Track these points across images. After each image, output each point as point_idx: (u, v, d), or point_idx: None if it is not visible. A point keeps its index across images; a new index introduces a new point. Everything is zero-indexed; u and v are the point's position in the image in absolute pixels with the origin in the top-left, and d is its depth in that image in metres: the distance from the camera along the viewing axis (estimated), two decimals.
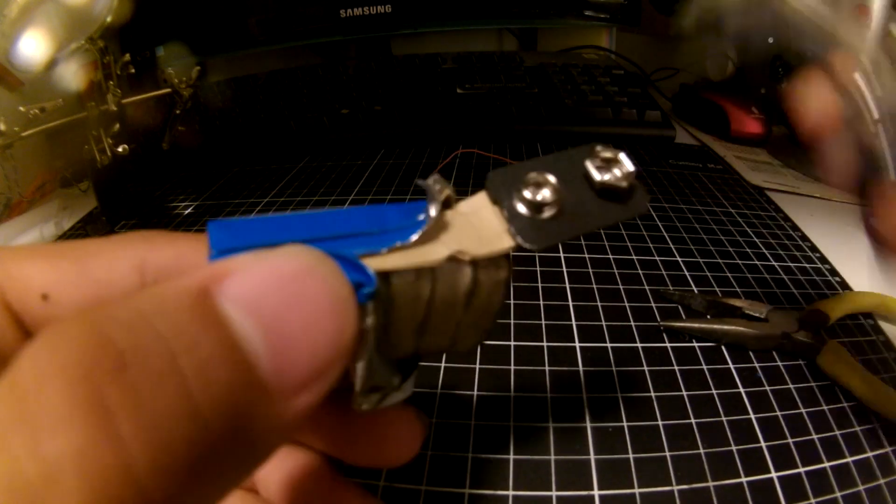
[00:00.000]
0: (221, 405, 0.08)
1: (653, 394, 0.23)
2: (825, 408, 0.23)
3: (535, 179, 0.12)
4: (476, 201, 0.13)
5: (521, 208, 0.12)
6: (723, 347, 0.25)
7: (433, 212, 0.12)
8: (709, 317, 0.28)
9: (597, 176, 0.13)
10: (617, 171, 0.13)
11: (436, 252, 0.11)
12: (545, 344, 0.26)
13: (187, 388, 0.08)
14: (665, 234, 0.35)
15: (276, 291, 0.09)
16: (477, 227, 0.12)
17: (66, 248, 0.13)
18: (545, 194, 0.12)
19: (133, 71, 0.37)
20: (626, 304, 0.28)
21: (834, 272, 0.32)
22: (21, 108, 0.33)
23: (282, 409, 0.09)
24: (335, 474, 0.16)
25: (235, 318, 0.08)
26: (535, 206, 0.12)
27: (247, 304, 0.09)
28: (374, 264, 0.11)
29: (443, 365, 0.24)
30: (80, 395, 0.07)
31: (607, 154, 0.13)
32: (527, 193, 0.12)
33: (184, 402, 0.07)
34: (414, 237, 0.11)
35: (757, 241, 0.35)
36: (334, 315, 0.09)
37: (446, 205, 0.12)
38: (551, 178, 0.12)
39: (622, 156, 0.13)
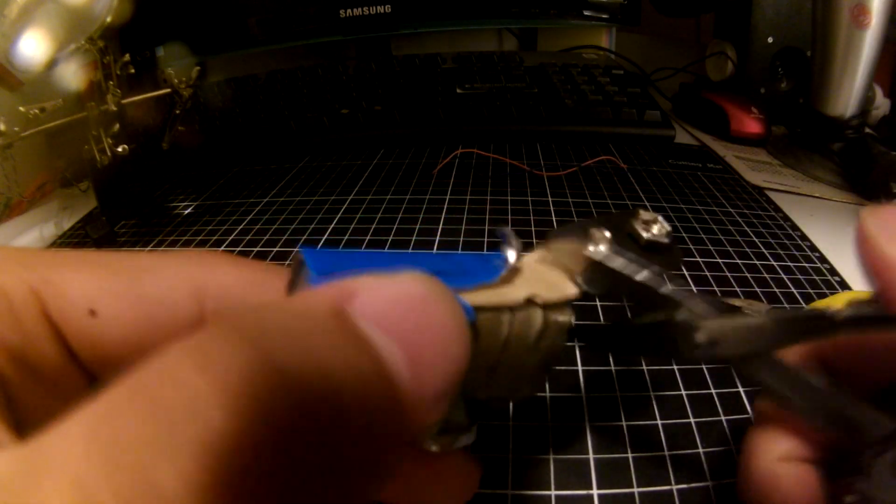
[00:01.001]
0: (367, 419, 0.08)
1: (652, 393, 0.23)
2: None
3: (593, 235, 0.14)
4: (537, 255, 0.15)
5: None
6: None
7: (512, 257, 0.13)
8: None
9: (644, 234, 0.15)
10: (656, 229, 0.15)
11: (515, 294, 0.12)
12: None
13: (343, 404, 0.08)
14: None
15: (409, 312, 0.09)
16: (544, 275, 0.14)
17: (116, 260, 0.12)
18: (602, 248, 0.14)
19: (133, 71, 0.37)
20: (625, 304, 0.28)
21: (833, 272, 0.32)
22: (21, 108, 0.33)
23: (412, 424, 0.09)
24: None
25: (374, 335, 0.08)
26: None
27: (383, 322, 0.09)
28: (464, 299, 0.11)
29: None
30: (246, 414, 0.07)
31: (648, 216, 0.15)
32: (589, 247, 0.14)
33: (340, 417, 0.07)
34: (497, 278, 0.12)
35: (756, 240, 0.35)
36: (459, 340, 0.09)
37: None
38: (606, 234, 0.14)
39: (660, 217, 0.15)
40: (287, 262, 0.12)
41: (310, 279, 0.11)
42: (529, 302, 0.13)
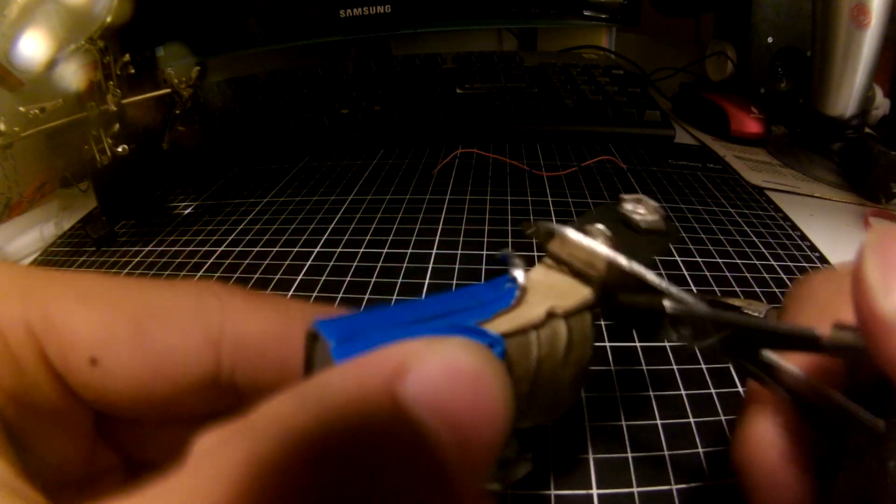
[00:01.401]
0: (413, 493, 0.08)
1: (651, 393, 0.23)
2: None
3: (590, 231, 0.14)
4: (541, 268, 0.15)
5: None
6: None
7: (521, 277, 0.13)
8: None
9: (637, 217, 0.15)
10: (645, 209, 0.15)
11: (534, 311, 0.12)
12: None
13: (391, 479, 0.08)
14: None
15: (460, 391, 0.09)
16: (554, 286, 0.14)
17: (122, 294, 0.11)
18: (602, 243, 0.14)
19: (133, 71, 0.37)
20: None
21: None
22: (21, 109, 0.33)
23: (458, 490, 0.09)
24: None
25: (426, 417, 0.08)
26: None
27: (435, 405, 0.09)
28: (489, 329, 0.11)
29: None
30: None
31: (631, 198, 0.15)
32: None
33: (388, 490, 0.08)
34: (513, 300, 0.12)
35: (756, 240, 0.35)
36: (505, 412, 0.09)
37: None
38: (600, 227, 0.14)
39: (644, 197, 0.15)
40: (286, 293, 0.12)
41: (334, 352, 0.10)
42: (550, 315, 0.12)
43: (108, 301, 0.11)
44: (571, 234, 0.14)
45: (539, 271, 0.15)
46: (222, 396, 0.12)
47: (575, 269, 0.14)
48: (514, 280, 0.13)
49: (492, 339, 0.11)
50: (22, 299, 0.11)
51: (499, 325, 0.12)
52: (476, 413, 0.09)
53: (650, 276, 0.13)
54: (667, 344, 0.26)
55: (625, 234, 0.15)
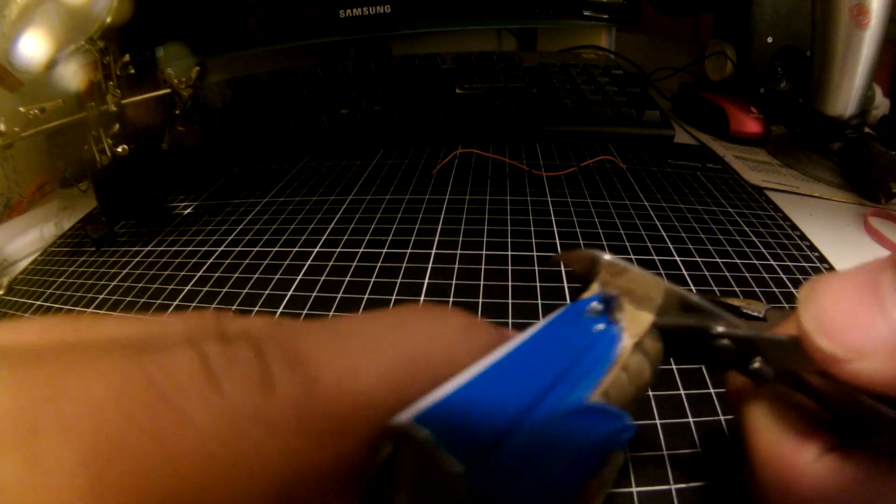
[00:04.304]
0: None
1: (651, 393, 0.23)
2: None
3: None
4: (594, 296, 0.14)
5: None
6: None
7: (624, 339, 0.12)
8: None
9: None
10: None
11: (623, 347, 0.12)
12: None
13: None
14: (664, 233, 0.35)
15: None
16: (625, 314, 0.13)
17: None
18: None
19: (133, 71, 0.37)
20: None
21: (832, 272, 0.32)
22: (21, 109, 0.33)
23: None
24: None
25: None
26: None
27: None
28: (601, 391, 0.11)
29: None
30: None
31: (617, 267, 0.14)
32: None
33: None
34: (616, 358, 0.12)
35: (755, 240, 0.35)
36: None
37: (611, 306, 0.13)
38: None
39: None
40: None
41: (468, 481, 0.08)
42: (636, 347, 0.12)
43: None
44: (634, 268, 0.14)
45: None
46: None
47: (631, 296, 0.14)
48: (607, 322, 0.12)
49: (625, 426, 0.11)
50: None
51: (617, 387, 0.11)
52: None
53: (705, 302, 0.13)
54: None
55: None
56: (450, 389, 0.09)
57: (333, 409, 0.08)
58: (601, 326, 0.12)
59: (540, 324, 0.12)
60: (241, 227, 0.39)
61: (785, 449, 0.13)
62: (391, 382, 0.09)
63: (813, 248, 0.34)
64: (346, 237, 0.36)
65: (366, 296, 0.30)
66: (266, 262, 0.34)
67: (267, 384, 0.08)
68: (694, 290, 0.29)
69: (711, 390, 0.23)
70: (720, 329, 0.13)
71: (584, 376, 0.11)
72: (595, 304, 0.13)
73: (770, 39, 0.54)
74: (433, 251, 0.33)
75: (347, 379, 0.09)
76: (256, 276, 0.32)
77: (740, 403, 0.15)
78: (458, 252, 0.33)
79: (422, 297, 0.29)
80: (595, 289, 0.14)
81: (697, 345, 0.13)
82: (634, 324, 0.13)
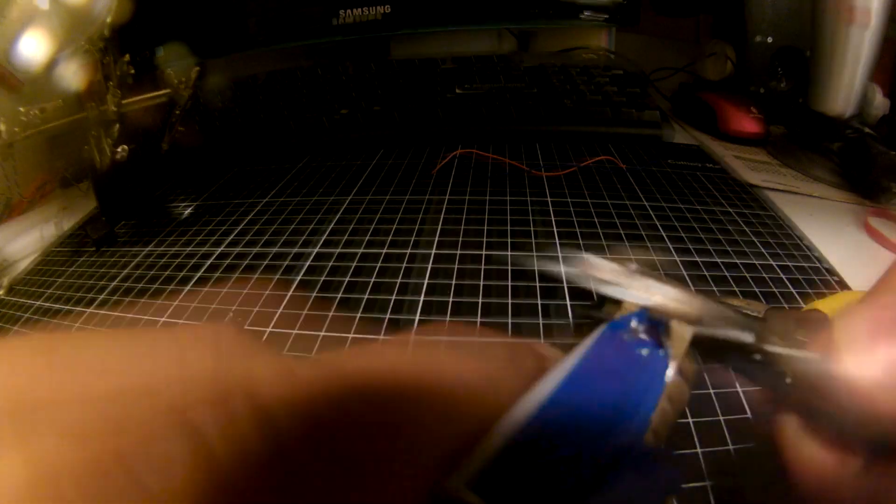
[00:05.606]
0: None
1: None
2: None
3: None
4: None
5: None
6: None
7: (673, 368, 0.12)
8: None
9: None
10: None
11: (667, 375, 0.12)
12: (543, 342, 0.26)
13: None
14: (663, 233, 0.35)
15: None
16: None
17: None
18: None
19: (133, 71, 0.37)
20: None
21: (832, 272, 0.32)
22: (21, 109, 0.33)
23: None
24: None
25: None
26: None
27: None
28: (652, 429, 0.11)
29: None
30: None
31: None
32: None
33: None
34: (668, 381, 0.12)
35: (755, 240, 0.35)
36: None
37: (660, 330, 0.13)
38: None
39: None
40: None
41: None
42: (678, 371, 0.12)
43: None
44: (668, 286, 0.14)
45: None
46: None
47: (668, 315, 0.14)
48: (652, 347, 0.12)
49: (682, 473, 0.10)
50: None
51: (668, 415, 0.11)
52: None
53: (738, 316, 0.13)
54: None
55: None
56: (500, 443, 0.09)
57: None
58: (646, 352, 0.12)
59: (581, 350, 0.12)
60: (241, 227, 0.39)
61: (828, 462, 0.13)
62: None
63: (812, 247, 0.34)
64: (345, 237, 0.36)
65: (365, 296, 0.30)
66: (266, 262, 0.34)
67: None
68: (694, 290, 0.29)
69: (711, 391, 0.23)
70: (757, 344, 0.12)
71: (635, 412, 0.11)
72: (635, 325, 0.13)
73: (769, 39, 0.54)
74: (433, 251, 0.33)
75: None
76: (256, 276, 0.32)
77: (776, 412, 0.15)
78: (458, 252, 0.33)
79: (421, 297, 0.29)
80: (631, 306, 0.13)
81: (731, 357, 0.13)
82: (676, 342, 0.13)
